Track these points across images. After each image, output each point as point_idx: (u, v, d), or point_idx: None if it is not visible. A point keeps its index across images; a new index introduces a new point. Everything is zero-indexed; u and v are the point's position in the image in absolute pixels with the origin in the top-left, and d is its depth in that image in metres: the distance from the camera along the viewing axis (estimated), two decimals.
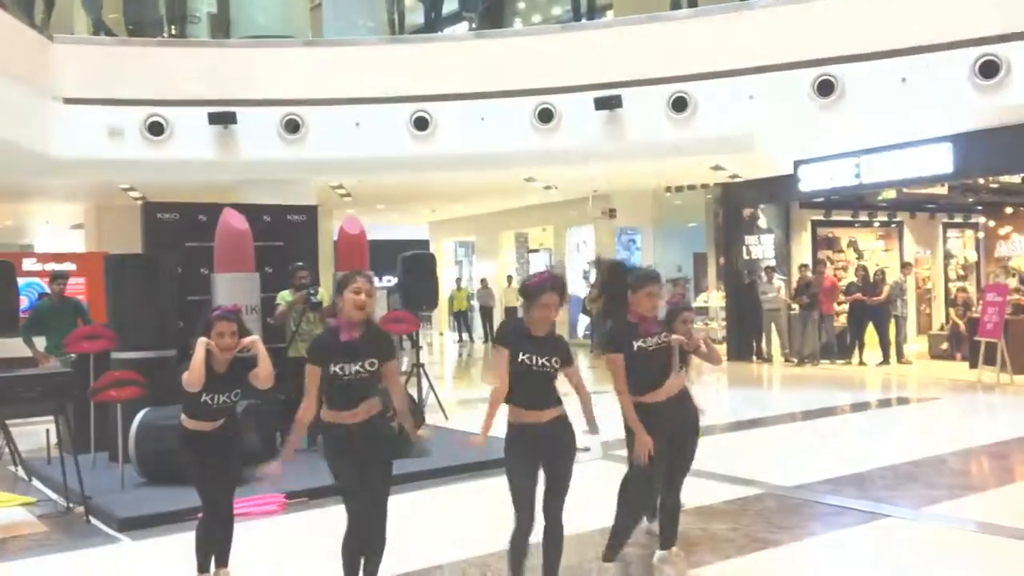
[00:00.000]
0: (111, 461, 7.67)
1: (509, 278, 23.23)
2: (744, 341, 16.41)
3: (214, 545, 4.77)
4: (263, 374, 4.66)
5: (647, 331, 4.68)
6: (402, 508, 4.44)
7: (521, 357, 4.12)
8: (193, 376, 4.51)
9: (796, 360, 15.43)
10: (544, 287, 4.16)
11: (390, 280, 20.85)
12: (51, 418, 7.51)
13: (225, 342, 4.60)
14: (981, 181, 15.92)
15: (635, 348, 4.62)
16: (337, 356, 4.19)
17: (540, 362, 4.14)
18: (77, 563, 5.57)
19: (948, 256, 19.92)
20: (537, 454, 4.18)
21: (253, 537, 5.62)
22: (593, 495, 4.60)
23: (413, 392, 9.96)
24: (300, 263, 8.63)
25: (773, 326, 16.01)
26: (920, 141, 12.90)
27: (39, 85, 11.58)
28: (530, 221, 22.74)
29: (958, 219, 19.79)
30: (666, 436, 4.66)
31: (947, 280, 19.51)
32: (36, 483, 7.61)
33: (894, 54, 10.90)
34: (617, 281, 4.82)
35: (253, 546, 5.42)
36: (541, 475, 4.21)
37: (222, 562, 4.81)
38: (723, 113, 11.91)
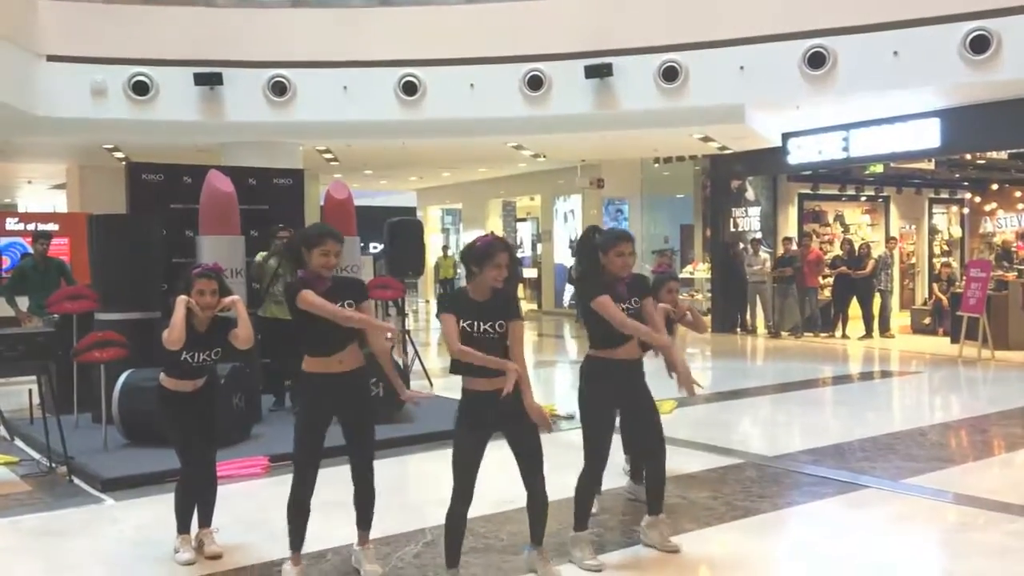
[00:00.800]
0: (94, 422, 7.65)
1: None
2: (729, 313, 16.47)
3: (193, 507, 4.77)
4: (243, 335, 4.64)
5: (619, 294, 4.55)
6: (386, 473, 4.45)
7: (462, 324, 4.00)
8: (173, 334, 4.47)
9: (773, 332, 15.49)
10: (495, 246, 4.06)
11: (376, 246, 20.76)
12: (34, 378, 7.49)
13: (205, 300, 4.57)
14: (968, 157, 15.96)
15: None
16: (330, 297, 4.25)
17: (482, 328, 4.01)
18: (60, 522, 5.56)
19: (933, 231, 20.01)
20: (489, 424, 4.07)
21: (236, 499, 5.63)
22: (578, 460, 4.63)
23: (398, 359, 9.97)
24: (281, 224, 8.58)
25: (758, 298, 16.06)
26: (909, 116, 12.91)
27: (22, 42, 11.39)
28: (518, 189, 22.67)
29: (944, 195, 19.85)
30: (613, 396, 4.63)
31: (931, 255, 19.60)
32: (18, 443, 7.58)
33: (887, 27, 10.87)
34: (587, 244, 4.70)
35: (236, 508, 5.43)
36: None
37: (205, 523, 4.81)
38: (713, 83, 11.86)
